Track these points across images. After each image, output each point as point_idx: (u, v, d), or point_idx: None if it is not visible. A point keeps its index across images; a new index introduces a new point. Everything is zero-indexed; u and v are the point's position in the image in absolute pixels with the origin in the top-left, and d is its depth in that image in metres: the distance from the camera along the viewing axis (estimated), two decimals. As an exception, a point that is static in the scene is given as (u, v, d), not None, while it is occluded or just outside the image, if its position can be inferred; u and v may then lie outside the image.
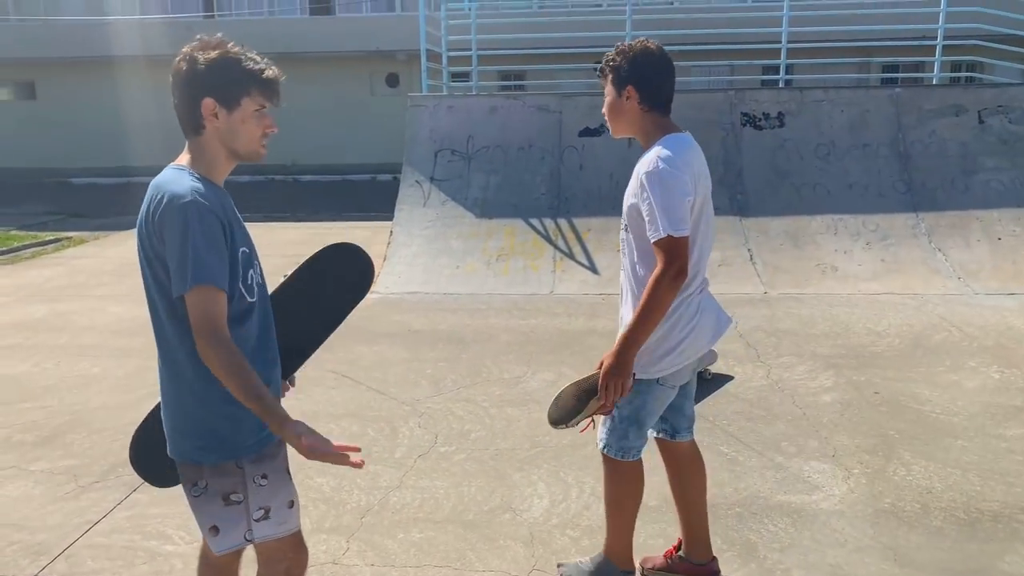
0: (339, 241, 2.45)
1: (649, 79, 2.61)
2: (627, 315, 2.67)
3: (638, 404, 2.69)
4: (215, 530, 1.97)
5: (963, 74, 12.16)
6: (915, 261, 7.74)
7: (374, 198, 14.25)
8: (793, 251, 8.02)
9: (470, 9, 10.95)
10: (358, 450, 1.82)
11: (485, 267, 7.97)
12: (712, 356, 5.31)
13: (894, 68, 20.34)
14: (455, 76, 10.53)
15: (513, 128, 9.16)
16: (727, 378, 5.20)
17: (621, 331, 2.62)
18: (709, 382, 5.09)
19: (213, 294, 1.80)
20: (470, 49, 10.85)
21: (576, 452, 4.14)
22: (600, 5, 20.86)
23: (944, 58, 10.40)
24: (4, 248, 10.44)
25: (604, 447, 2.78)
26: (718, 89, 9.69)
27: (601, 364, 2.58)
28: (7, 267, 9.44)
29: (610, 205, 8.59)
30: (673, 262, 2.44)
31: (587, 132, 9.03)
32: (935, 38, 10.38)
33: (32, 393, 5.14)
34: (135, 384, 5.26)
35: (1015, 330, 6.06)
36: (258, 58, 1.97)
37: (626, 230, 2.68)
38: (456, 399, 4.90)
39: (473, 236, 8.36)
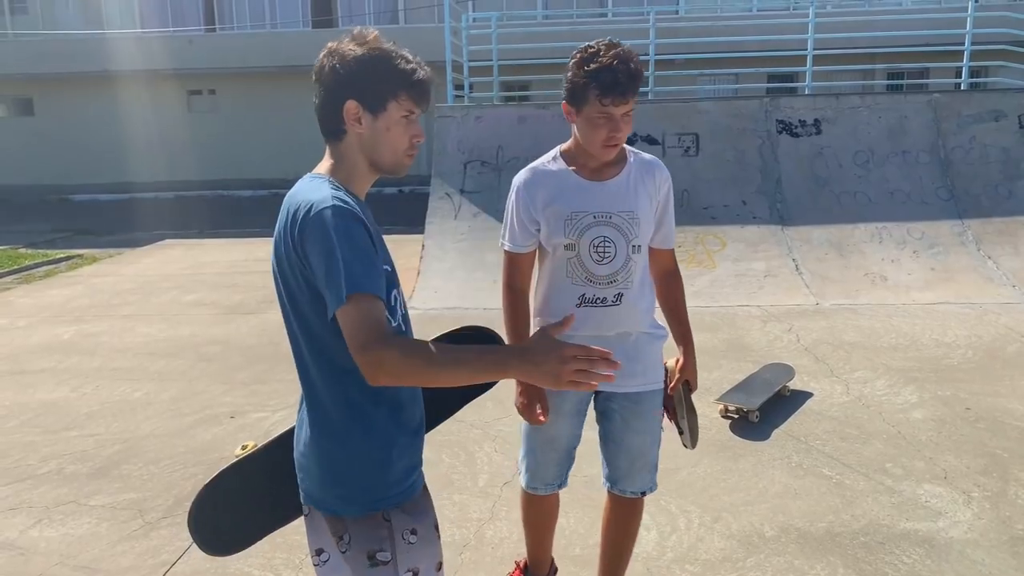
0: (478, 325, 2.25)
1: None
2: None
3: None
4: None
5: (986, 79, 12.06)
6: (965, 269, 7.56)
7: (389, 211, 13.96)
8: (839, 260, 7.82)
9: (492, 20, 10.78)
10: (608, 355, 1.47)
11: (524, 281, 7.72)
12: (790, 373, 5.10)
13: (899, 75, 20.34)
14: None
15: (544, 138, 8.92)
16: (806, 395, 4.97)
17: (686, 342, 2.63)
18: (788, 399, 4.87)
19: (372, 301, 1.50)
20: (489, 59, 10.70)
21: (670, 478, 3.89)
22: (606, 15, 20.81)
23: (972, 63, 10.29)
24: (15, 267, 10.13)
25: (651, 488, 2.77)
26: (752, 96, 9.47)
27: (681, 381, 2.63)
28: (22, 287, 9.13)
29: (647, 216, 8.38)
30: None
31: (620, 141, 8.82)
32: (960, 44, 10.28)
33: (75, 420, 4.86)
34: (183, 409, 4.99)
35: (1088, 340, 5.87)
36: (410, 56, 1.73)
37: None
38: (527, 421, 4.65)
39: (509, 249, 8.10)
